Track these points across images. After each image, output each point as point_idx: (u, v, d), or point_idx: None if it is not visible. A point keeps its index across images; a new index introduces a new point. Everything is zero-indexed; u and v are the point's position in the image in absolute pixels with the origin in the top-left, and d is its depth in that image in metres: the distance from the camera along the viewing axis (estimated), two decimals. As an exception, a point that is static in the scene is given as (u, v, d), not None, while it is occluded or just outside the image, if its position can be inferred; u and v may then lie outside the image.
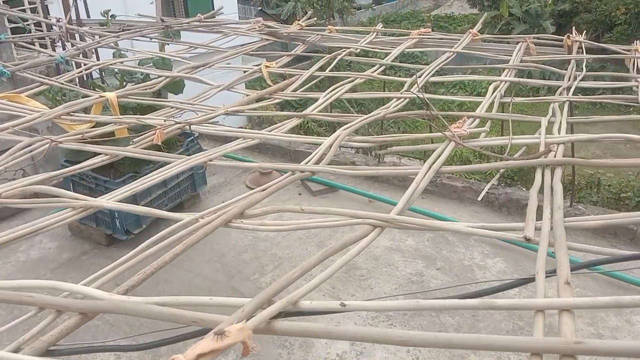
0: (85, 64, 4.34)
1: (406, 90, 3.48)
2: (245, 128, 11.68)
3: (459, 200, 5.05)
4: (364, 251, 1.74)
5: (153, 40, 5.12)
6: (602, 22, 19.59)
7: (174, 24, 5.28)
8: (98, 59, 4.87)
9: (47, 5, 5.90)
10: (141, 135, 2.88)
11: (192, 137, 4.75)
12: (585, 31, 4.72)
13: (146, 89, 3.78)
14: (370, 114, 3.07)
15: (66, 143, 2.81)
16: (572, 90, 3.29)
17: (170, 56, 4.57)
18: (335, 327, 1.22)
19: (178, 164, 2.53)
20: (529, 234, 1.63)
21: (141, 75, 4.34)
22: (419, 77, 3.65)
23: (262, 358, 3.14)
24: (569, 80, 3.46)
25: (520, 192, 4.97)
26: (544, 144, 2.39)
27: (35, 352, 1.29)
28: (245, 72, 4.23)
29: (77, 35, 5.11)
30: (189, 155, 4.03)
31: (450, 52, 4.15)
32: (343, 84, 3.65)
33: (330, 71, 4.16)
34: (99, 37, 4.88)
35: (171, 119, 3.15)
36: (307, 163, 2.50)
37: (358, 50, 4.53)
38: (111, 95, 3.42)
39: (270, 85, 3.79)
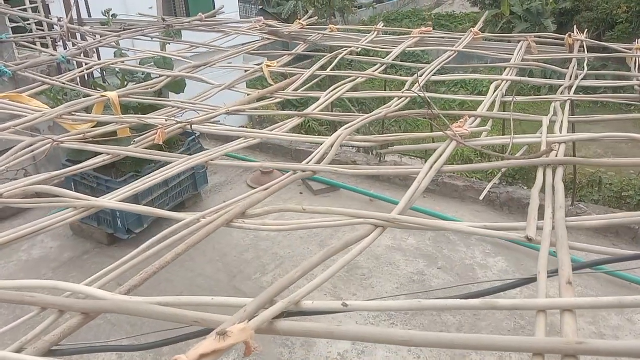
0: (86, 64, 4.34)
1: (407, 90, 3.48)
2: (247, 127, 11.70)
3: (461, 200, 5.06)
4: (366, 250, 1.74)
5: (154, 39, 5.12)
6: (603, 20, 19.56)
7: (175, 24, 5.28)
8: (99, 59, 4.87)
9: (48, 4, 5.91)
10: (143, 134, 2.88)
11: (194, 137, 4.75)
12: (586, 30, 4.71)
13: (147, 89, 3.78)
14: (372, 114, 3.07)
15: (68, 143, 2.81)
16: (573, 89, 3.29)
17: (171, 55, 4.58)
18: (337, 327, 1.22)
19: (179, 163, 2.53)
20: (530, 234, 1.63)
21: (142, 74, 4.34)
22: (420, 76, 3.64)
23: (264, 357, 3.14)
24: (570, 79, 3.46)
25: (521, 191, 4.96)
26: (546, 144, 2.39)
27: (37, 352, 1.30)
28: (246, 71, 4.23)
29: (78, 35, 5.11)
30: (190, 154, 4.04)
31: (452, 51, 4.15)
32: (344, 84, 3.65)
33: (331, 70, 4.16)
34: (100, 37, 4.88)
35: (172, 118, 3.15)
36: (308, 162, 2.50)
37: (359, 49, 4.53)
38: (112, 94, 3.42)
39: (271, 85, 3.79)
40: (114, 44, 4.73)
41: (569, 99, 3.06)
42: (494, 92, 3.27)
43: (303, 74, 3.93)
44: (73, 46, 4.83)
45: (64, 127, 3.25)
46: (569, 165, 2.71)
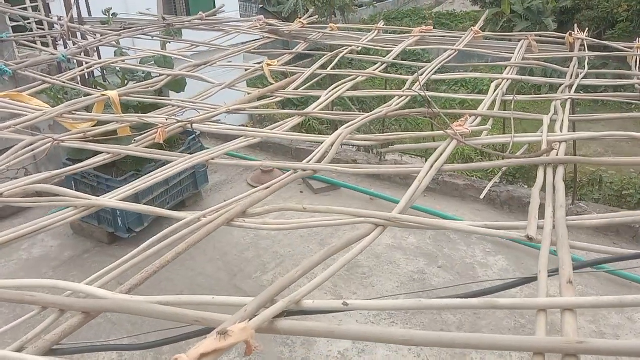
0: (86, 63, 4.34)
1: (408, 89, 3.47)
2: (247, 126, 11.70)
3: (461, 198, 5.06)
4: (366, 249, 1.74)
5: (155, 38, 5.11)
6: (604, 19, 19.52)
7: (175, 22, 5.28)
8: (100, 58, 4.87)
9: (48, 3, 5.91)
10: (143, 133, 2.88)
11: (194, 136, 4.75)
12: (587, 28, 4.71)
13: (148, 88, 3.78)
14: (372, 112, 3.07)
15: (68, 142, 2.81)
16: (574, 88, 3.28)
17: (171, 54, 4.57)
18: (338, 326, 1.22)
19: (180, 162, 2.53)
20: (531, 233, 1.63)
21: (143, 73, 4.34)
22: (421, 75, 3.64)
23: (264, 356, 3.15)
24: (571, 78, 3.46)
25: (522, 190, 4.97)
26: (546, 142, 2.39)
27: (38, 351, 1.30)
28: (246, 70, 4.22)
29: (78, 34, 5.11)
30: (190, 153, 4.04)
31: (452, 50, 4.14)
32: (345, 82, 3.65)
33: (331, 69, 4.15)
34: (101, 36, 4.88)
35: (173, 117, 3.14)
36: (309, 161, 2.50)
37: (359, 48, 4.53)
38: (113, 93, 3.42)
39: (271, 84, 3.79)
40: (114, 42, 4.73)
41: (569, 98, 3.05)
42: (494, 91, 3.27)
43: (303, 73, 3.93)
44: (73, 45, 4.83)
45: (64, 126, 3.25)
46: (570, 164, 2.71)
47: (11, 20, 5.56)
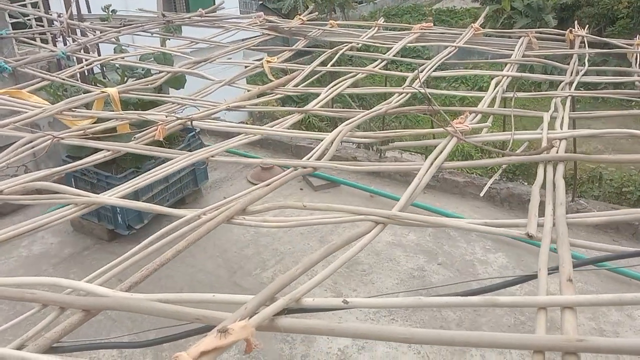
0: (86, 60, 4.34)
1: (408, 86, 3.47)
2: (247, 123, 11.68)
3: (461, 195, 5.05)
4: (366, 246, 1.74)
5: (154, 35, 5.11)
6: (604, 15, 19.48)
7: (175, 19, 5.27)
8: (99, 54, 4.87)
9: (47, 0, 5.89)
10: (143, 131, 2.88)
11: (194, 133, 4.75)
12: (587, 25, 4.70)
13: (147, 85, 3.78)
14: (372, 110, 3.07)
15: (68, 139, 2.81)
16: (574, 85, 3.28)
17: (171, 51, 4.57)
18: (337, 324, 1.22)
19: (180, 160, 2.53)
20: (531, 231, 1.63)
21: (142, 70, 4.33)
22: (421, 72, 3.64)
23: (265, 353, 3.15)
24: (571, 75, 3.45)
25: (522, 187, 4.97)
26: (546, 140, 2.39)
27: (38, 349, 1.30)
28: (246, 67, 4.22)
29: (78, 31, 5.10)
30: (190, 150, 4.04)
31: (452, 46, 4.14)
32: (345, 79, 3.64)
33: (331, 66, 4.15)
34: (100, 33, 4.87)
35: (172, 114, 3.14)
36: (308, 159, 2.50)
37: (359, 45, 4.52)
38: (112, 90, 3.42)
39: (271, 80, 3.78)
40: (113, 39, 4.72)
41: (569, 95, 3.05)
42: (494, 88, 3.27)
43: (303, 70, 3.93)
44: (73, 42, 4.82)
45: (64, 123, 3.25)
46: (570, 161, 2.71)
47: (10, 17, 5.55)
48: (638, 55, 3.73)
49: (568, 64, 3.69)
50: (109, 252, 4.28)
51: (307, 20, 5.26)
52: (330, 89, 3.49)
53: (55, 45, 5.29)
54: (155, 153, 2.71)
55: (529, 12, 20.39)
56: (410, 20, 25.91)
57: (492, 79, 3.47)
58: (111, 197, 2.17)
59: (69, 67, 4.30)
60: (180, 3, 15.44)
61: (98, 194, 2.23)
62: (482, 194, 3.31)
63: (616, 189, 7.99)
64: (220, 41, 4.87)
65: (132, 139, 2.85)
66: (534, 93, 3.65)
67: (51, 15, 5.69)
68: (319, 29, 4.95)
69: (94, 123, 3.16)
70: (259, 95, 3.62)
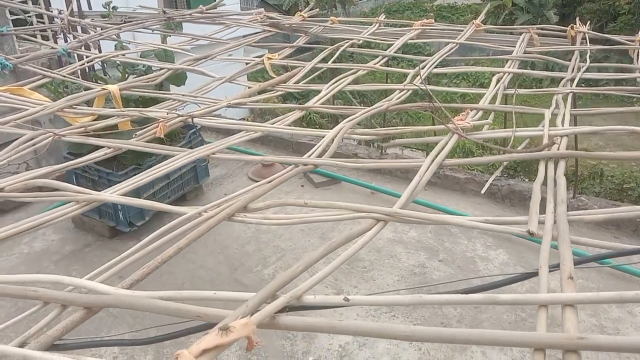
0: (87, 57, 4.34)
1: (409, 82, 3.47)
2: (248, 119, 11.69)
3: (462, 192, 5.05)
4: (367, 243, 1.75)
5: (155, 32, 5.10)
6: (606, 11, 19.44)
7: (175, 16, 5.26)
8: (100, 51, 4.86)
9: (48, -4, 5.89)
10: (144, 128, 2.88)
11: (195, 130, 4.75)
12: (589, 21, 4.69)
13: (148, 82, 3.78)
14: (373, 106, 3.06)
15: (69, 136, 2.81)
16: (575, 81, 3.28)
17: (172, 48, 4.56)
18: (339, 322, 1.23)
19: (181, 157, 2.53)
20: (532, 228, 1.63)
21: (143, 67, 4.33)
22: (422, 68, 3.63)
23: (266, 349, 3.16)
24: (572, 71, 3.45)
25: (523, 184, 4.96)
26: (547, 137, 2.39)
27: (40, 346, 1.30)
28: (247, 64, 4.22)
29: (79, 27, 5.10)
30: (191, 147, 4.04)
31: (454, 43, 4.13)
32: (346, 76, 3.64)
33: (332, 63, 4.15)
34: (101, 29, 4.87)
35: (174, 111, 3.14)
36: (309, 156, 2.50)
37: (360, 41, 4.52)
38: (113, 87, 3.41)
39: (272, 77, 3.78)
40: (114, 36, 4.72)
41: (571, 92, 3.05)
42: (495, 85, 3.26)
43: (304, 67, 3.93)
44: (74, 39, 4.82)
45: (65, 119, 3.25)
46: (571, 158, 2.71)
47: (11, 13, 5.54)
48: (639, 51, 3.72)
49: (569, 60, 3.69)
50: (110, 249, 4.29)
51: (308, 17, 5.25)
52: (331, 85, 3.49)
53: (56, 42, 5.28)
54: (157, 150, 2.71)
55: (530, 8, 20.34)
56: (412, 16, 25.86)
57: (493, 75, 3.46)
58: (112, 194, 2.17)
59: (70, 64, 4.29)
60: (181, 0, 15.41)
61: (99, 190, 2.24)
62: (483, 191, 3.29)
63: (617, 185, 7.98)
64: (221, 38, 4.86)
65: (133, 136, 2.85)
66: (536, 90, 3.64)
67: (52, 12, 5.68)
68: (320, 26, 4.94)
69: (95, 120, 3.16)
70: (260, 92, 3.61)
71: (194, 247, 4.14)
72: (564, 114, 2.67)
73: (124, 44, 4.63)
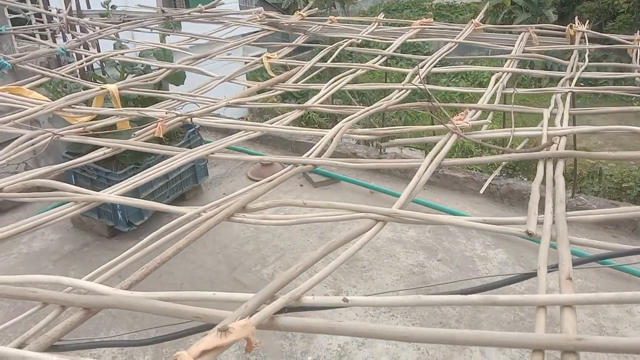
0: (86, 56, 4.33)
1: (408, 82, 3.47)
2: (246, 119, 11.69)
3: (461, 191, 5.06)
4: (366, 244, 1.75)
5: (154, 31, 5.10)
6: (604, 10, 19.45)
7: (174, 15, 5.26)
8: (99, 51, 4.85)
9: (47, -5, 5.88)
10: (143, 127, 2.88)
11: (194, 129, 4.75)
12: (587, 20, 4.70)
13: (147, 81, 3.77)
14: (372, 106, 3.06)
15: (68, 136, 2.81)
16: (574, 80, 3.28)
17: (171, 47, 4.56)
18: (338, 323, 1.23)
19: (180, 156, 2.53)
20: (531, 229, 1.63)
21: (142, 66, 4.33)
22: (421, 67, 3.63)
23: (265, 349, 3.16)
24: (571, 70, 3.45)
25: (521, 183, 4.97)
26: (546, 136, 2.39)
27: (39, 347, 1.30)
28: (246, 63, 4.22)
29: (77, 27, 5.09)
30: (190, 147, 4.04)
31: (452, 42, 4.13)
32: (345, 75, 3.64)
33: (331, 62, 4.15)
34: (100, 29, 4.87)
35: (172, 111, 3.14)
36: (308, 155, 2.50)
37: (359, 40, 4.52)
38: (112, 87, 3.41)
39: (271, 77, 3.78)
40: (113, 35, 4.72)
41: (569, 91, 3.05)
42: (494, 84, 3.27)
43: (303, 66, 3.93)
44: (72, 38, 4.81)
45: (64, 119, 3.25)
46: (570, 158, 2.71)
47: (10, 12, 5.53)
48: (638, 50, 3.73)
49: (568, 59, 3.69)
50: (109, 249, 4.28)
51: (307, 16, 5.25)
52: (330, 85, 3.49)
53: (54, 41, 5.27)
54: (156, 150, 2.71)
55: (529, 7, 20.34)
56: (411, 15, 25.84)
57: (492, 74, 3.47)
58: (111, 194, 2.17)
59: (69, 63, 4.29)
60: (180, -2, 15.38)
61: (98, 190, 2.24)
62: (482, 191, 3.30)
63: (616, 184, 7.98)
64: (220, 37, 4.86)
65: (132, 135, 2.85)
66: (534, 89, 3.64)
67: (50, 11, 5.67)
68: (319, 25, 4.94)
69: (94, 119, 3.16)
70: (259, 92, 3.61)
71: (193, 247, 4.14)
72: (562, 114, 2.68)
73: (122, 43, 4.63)
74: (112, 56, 4.34)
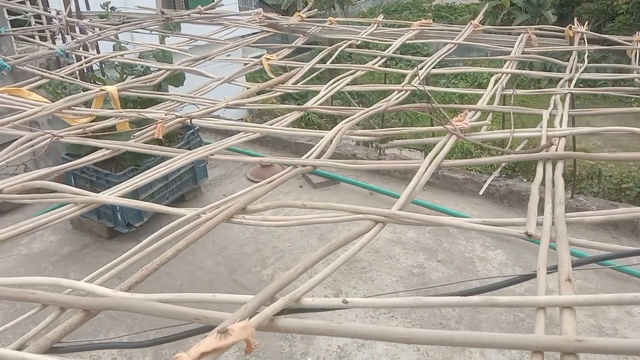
0: (85, 57, 4.33)
1: (407, 83, 3.47)
2: (246, 120, 11.68)
3: (460, 192, 5.06)
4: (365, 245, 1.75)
5: (153, 32, 5.10)
6: (603, 11, 19.47)
7: (174, 16, 5.26)
8: (98, 52, 4.86)
9: (46, -3, 5.88)
10: (142, 129, 2.88)
11: (193, 130, 4.75)
12: (586, 21, 4.70)
13: (147, 82, 3.77)
14: (372, 107, 3.06)
15: (67, 137, 2.81)
16: (573, 81, 3.28)
17: (170, 49, 4.56)
18: (337, 324, 1.23)
19: (180, 158, 2.53)
20: (530, 230, 1.63)
21: (141, 67, 4.33)
22: (420, 69, 3.63)
23: (265, 351, 3.16)
24: (570, 71, 3.45)
25: (521, 184, 4.97)
26: (546, 138, 2.39)
27: (39, 349, 1.30)
28: (245, 64, 4.22)
29: (77, 28, 5.09)
30: (189, 148, 4.04)
31: (452, 43, 4.14)
32: (344, 77, 3.64)
33: (331, 63, 4.15)
34: (99, 30, 4.87)
35: (172, 112, 3.14)
36: (308, 157, 2.50)
37: (359, 41, 4.52)
38: (112, 88, 3.41)
39: (271, 78, 3.78)
40: (113, 37, 4.72)
41: (569, 92, 3.05)
42: (494, 85, 3.27)
43: (302, 67, 3.93)
44: (72, 39, 4.81)
45: (64, 120, 3.25)
46: (569, 158, 2.71)
47: (9, 13, 5.53)
48: (637, 52, 3.73)
49: (567, 60, 3.70)
50: (108, 250, 4.28)
51: (306, 17, 5.26)
52: (329, 86, 3.49)
53: (54, 42, 5.28)
54: (155, 152, 2.71)
55: (528, 8, 20.36)
56: (410, 16, 25.87)
57: (491, 75, 3.47)
58: (110, 196, 2.17)
59: (68, 64, 4.29)
60: (179, 0, 15.40)
61: (98, 191, 2.24)
62: (481, 192, 3.30)
63: (615, 185, 7.97)
64: (219, 38, 4.86)
65: (132, 137, 2.85)
66: (534, 90, 3.65)
67: (50, 12, 5.67)
68: (318, 26, 4.95)
69: (93, 121, 3.15)
70: (259, 93, 3.61)
71: (193, 248, 4.13)
72: (562, 115, 2.68)
73: (122, 44, 4.63)
74: (111, 58, 4.33)
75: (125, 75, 4.41)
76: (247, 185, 2.22)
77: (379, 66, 3.97)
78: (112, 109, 3.38)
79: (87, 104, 3.45)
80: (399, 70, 4.07)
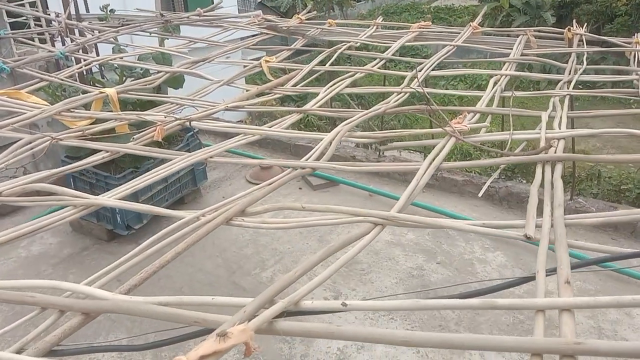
0: (84, 60, 4.34)
1: (406, 85, 3.47)
2: (245, 122, 11.68)
3: (459, 194, 5.06)
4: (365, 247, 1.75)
5: (152, 35, 5.10)
6: (602, 13, 19.48)
7: (173, 19, 5.26)
8: (97, 54, 4.86)
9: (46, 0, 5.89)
10: (142, 131, 2.88)
11: (193, 133, 4.75)
12: (585, 22, 4.71)
13: (146, 85, 3.78)
14: (371, 109, 3.07)
15: (67, 140, 2.81)
16: (572, 83, 3.29)
17: (169, 51, 4.56)
18: (337, 327, 1.23)
19: (179, 160, 2.53)
20: (529, 232, 1.63)
21: (141, 70, 4.33)
22: (419, 71, 3.64)
23: (264, 353, 3.15)
24: (569, 73, 3.46)
25: (520, 186, 4.97)
26: (545, 139, 2.39)
27: (38, 352, 1.30)
28: (245, 66, 4.22)
29: (76, 31, 5.10)
30: (189, 150, 4.04)
31: (451, 45, 4.14)
32: (343, 79, 3.65)
33: (330, 65, 4.15)
34: (99, 32, 4.87)
35: (171, 115, 3.14)
36: (307, 159, 2.50)
37: (358, 44, 4.52)
38: (111, 91, 3.42)
39: (270, 80, 3.78)
40: (112, 39, 4.72)
41: (568, 94, 3.06)
42: (492, 87, 3.27)
43: (302, 69, 3.93)
44: (71, 42, 4.82)
45: (63, 123, 3.25)
46: (568, 161, 2.71)
47: (9, 16, 5.54)
48: (636, 53, 3.74)
49: (566, 62, 3.70)
50: (108, 252, 4.28)
51: (306, 19, 5.26)
52: (329, 88, 3.49)
53: (53, 45, 5.28)
54: (154, 154, 2.71)
55: (527, 9, 20.38)
56: (409, 18, 25.89)
57: (490, 77, 3.47)
58: (110, 198, 2.17)
59: (68, 67, 4.29)
60: (179, 2, 15.41)
61: (97, 194, 2.24)
62: (480, 194, 3.30)
63: (615, 186, 7.97)
64: (219, 40, 4.86)
65: (131, 139, 2.85)
66: (533, 92, 3.65)
67: (49, 15, 5.68)
68: (318, 28, 4.95)
69: (93, 123, 3.16)
70: (258, 95, 3.62)
71: (192, 250, 4.12)
72: (561, 116, 2.68)
73: (121, 47, 4.63)
74: (111, 60, 4.34)
75: (124, 78, 4.42)
76: (246, 188, 2.22)
77: (378, 68, 3.98)
78: (111, 111, 3.38)
79: (87, 106, 3.45)
80: (398, 72, 4.08)
